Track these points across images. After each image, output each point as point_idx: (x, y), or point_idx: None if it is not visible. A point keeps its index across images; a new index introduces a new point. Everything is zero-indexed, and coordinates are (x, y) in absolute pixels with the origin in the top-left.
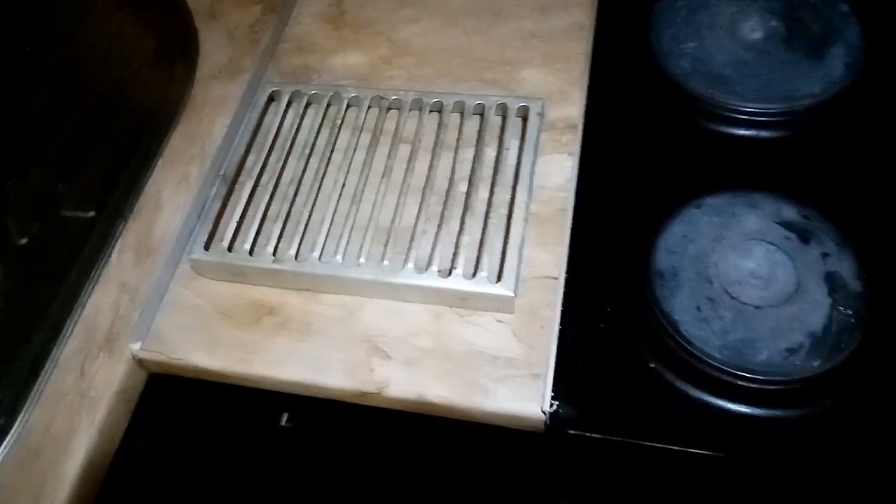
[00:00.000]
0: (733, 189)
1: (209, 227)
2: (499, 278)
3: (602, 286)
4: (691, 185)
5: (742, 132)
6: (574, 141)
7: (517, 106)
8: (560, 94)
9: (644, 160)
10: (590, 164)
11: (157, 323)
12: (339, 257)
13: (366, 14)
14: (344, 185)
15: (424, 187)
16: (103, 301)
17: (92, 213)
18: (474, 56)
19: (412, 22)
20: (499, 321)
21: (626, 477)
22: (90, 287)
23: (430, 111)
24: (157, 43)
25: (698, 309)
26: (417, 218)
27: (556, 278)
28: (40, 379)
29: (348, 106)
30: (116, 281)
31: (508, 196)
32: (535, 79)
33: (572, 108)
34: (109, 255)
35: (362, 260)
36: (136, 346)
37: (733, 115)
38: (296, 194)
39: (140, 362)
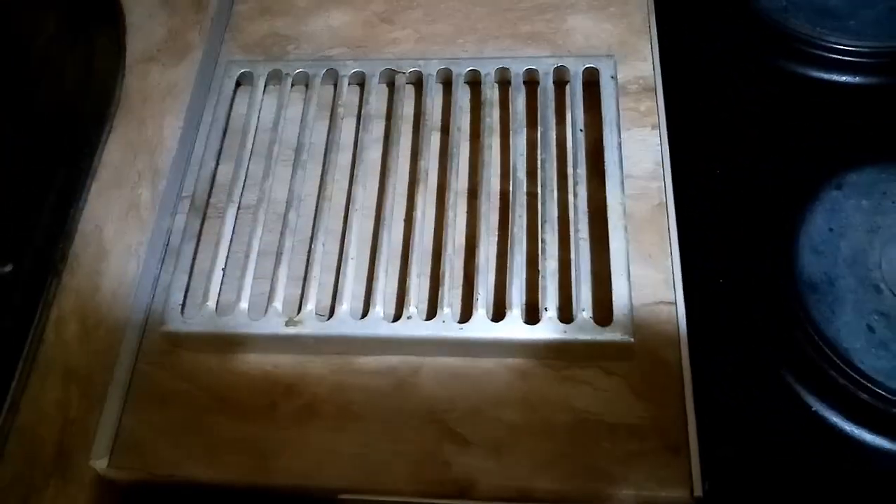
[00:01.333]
0: (875, 159)
1: (183, 277)
2: (607, 317)
3: (731, 308)
4: (820, 159)
5: (866, 80)
6: (654, 109)
7: (582, 68)
8: (624, 48)
9: (748, 128)
10: (680, 138)
11: (126, 424)
12: (378, 308)
13: None
14: (359, 198)
15: (475, 192)
16: (44, 400)
17: (8, 268)
18: (501, 4)
19: None
20: (609, 373)
21: None
22: (21, 382)
23: (464, 83)
24: (61, 15)
25: (870, 329)
26: (476, 238)
27: (671, 303)
28: None
29: (348, 85)
30: (58, 368)
31: (589, 194)
32: (586, 28)
33: (644, 65)
34: (42, 330)
35: (412, 309)
36: (100, 463)
37: (850, 58)
38: (297, 218)
39: (110, 484)
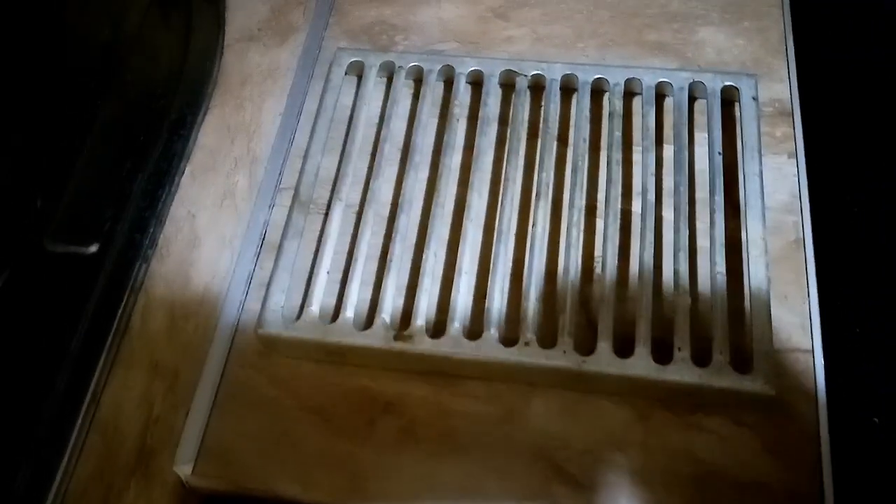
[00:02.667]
0: None
1: (285, 277)
2: (745, 363)
3: (872, 360)
4: None
5: None
6: (791, 135)
7: (721, 86)
8: (759, 66)
9: (893, 162)
10: (819, 168)
11: (213, 428)
12: (492, 331)
13: None
14: (474, 206)
15: (594, 209)
16: (127, 394)
17: (94, 248)
18: (625, 7)
19: None
20: (738, 423)
21: None
22: (104, 372)
23: (593, 91)
24: None
25: None
26: (596, 260)
27: (808, 351)
28: None
29: (464, 84)
30: (143, 360)
31: (725, 222)
32: (718, 42)
33: (780, 87)
34: (128, 318)
35: (530, 335)
36: (185, 469)
37: None
38: (407, 222)
39: (193, 492)
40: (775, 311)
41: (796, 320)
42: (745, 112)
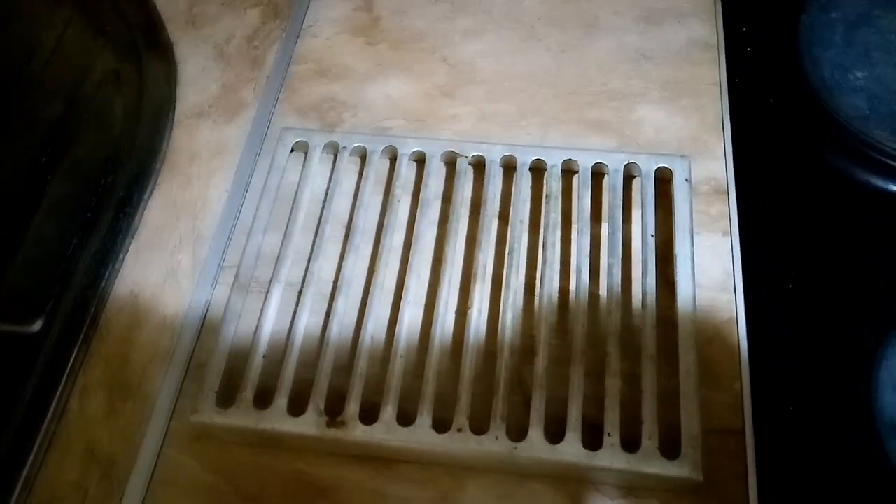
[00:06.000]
0: None
1: (220, 361)
2: (674, 448)
3: (803, 441)
4: None
5: None
6: (726, 213)
7: (654, 167)
8: (695, 144)
9: (824, 243)
10: (754, 248)
11: None
12: (425, 416)
13: (409, 23)
14: (412, 288)
15: (533, 288)
16: (61, 480)
17: (37, 327)
18: (567, 86)
19: (474, 35)
20: None
21: None
22: (40, 454)
23: (533, 170)
24: (114, 61)
25: None
26: (533, 341)
27: (740, 432)
28: None
29: (408, 161)
30: (79, 445)
31: (659, 302)
32: (657, 120)
33: (716, 165)
34: (66, 401)
35: (463, 420)
36: None
37: None
38: (346, 302)
39: None
40: (707, 392)
41: (728, 400)
42: (678, 194)
